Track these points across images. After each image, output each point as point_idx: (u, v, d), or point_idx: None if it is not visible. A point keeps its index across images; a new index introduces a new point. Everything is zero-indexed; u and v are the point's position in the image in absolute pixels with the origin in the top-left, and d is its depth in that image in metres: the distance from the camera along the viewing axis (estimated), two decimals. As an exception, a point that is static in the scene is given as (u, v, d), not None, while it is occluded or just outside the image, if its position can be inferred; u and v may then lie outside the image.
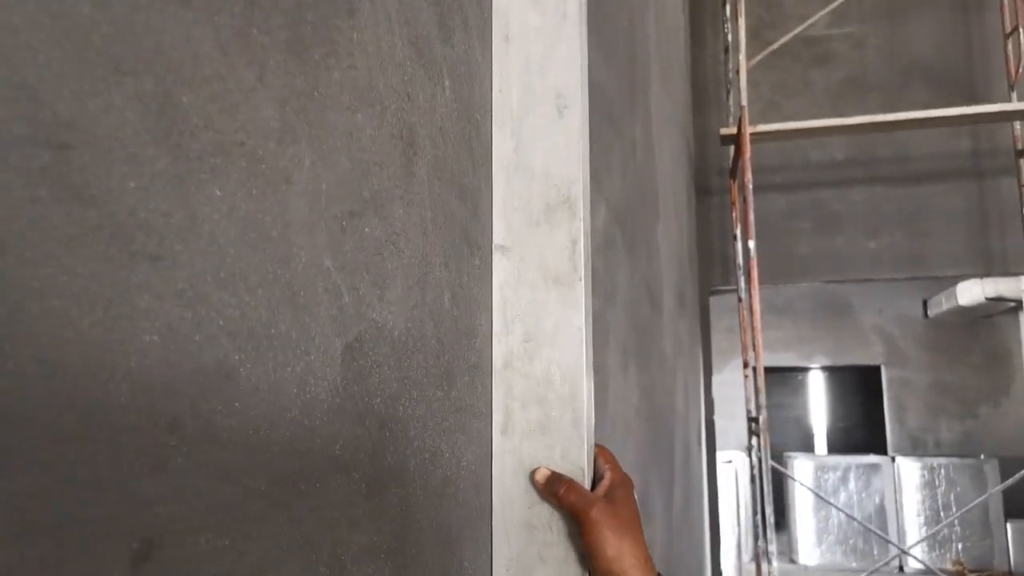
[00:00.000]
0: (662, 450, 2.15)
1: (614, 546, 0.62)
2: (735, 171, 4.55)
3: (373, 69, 0.47)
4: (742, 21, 4.57)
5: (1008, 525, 7.79)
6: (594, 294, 1.19)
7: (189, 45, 0.31)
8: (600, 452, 0.71)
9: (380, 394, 0.47)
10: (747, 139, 4.29)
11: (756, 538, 4.63)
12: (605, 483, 0.67)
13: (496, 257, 0.69)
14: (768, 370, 9.67)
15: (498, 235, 0.69)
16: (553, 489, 0.65)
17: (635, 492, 0.70)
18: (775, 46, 4.78)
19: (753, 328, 4.25)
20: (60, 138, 0.25)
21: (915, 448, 8.51)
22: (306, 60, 0.40)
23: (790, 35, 4.77)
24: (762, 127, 4.43)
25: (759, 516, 4.51)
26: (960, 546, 8.08)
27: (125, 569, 0.27)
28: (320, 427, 0.40)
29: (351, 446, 0.43)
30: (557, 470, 0.65)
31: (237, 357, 0.33)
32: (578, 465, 0.66)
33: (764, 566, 4.35)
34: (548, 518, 0.66)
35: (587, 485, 0.67)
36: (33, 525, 0.23)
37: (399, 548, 0.49)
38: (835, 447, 9.88)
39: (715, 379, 7.66)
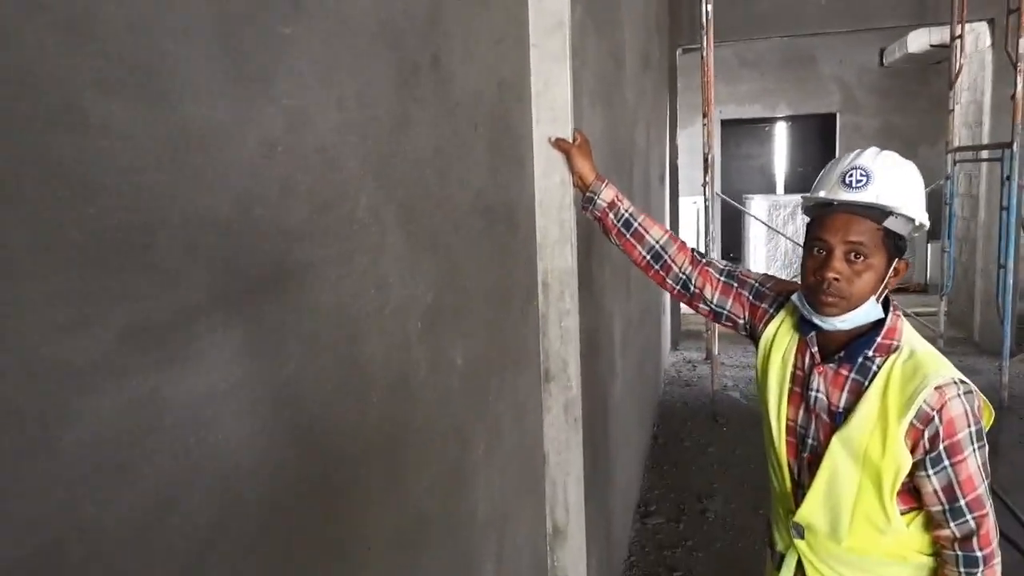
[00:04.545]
0: (621, 166, 3.19)
1: (579, 163, 1.65)
2: (703, -65, 5.07)
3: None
4: None
5: (927, 245, 9.24)
6: (574, 61, 2.12)
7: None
8: (577, 131, 1.72)
9: (504, 139, 1.46)
10: (711, -93, 4.80)
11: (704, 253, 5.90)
12: (578, 140, 1.69)
13: (532, 50, 1.64)
14: (738, 122, 10.57)
15: (531, 38, 1.63)
16: (555, 142, 1.66)
17: (591, 149, 1.72)
18: None
19: (707, 83, 5.11)
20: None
21: (859, 186, 9.68)
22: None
23: None
24: None
25: (707, 236, 5.73)
26: (886, 265, 9.62)
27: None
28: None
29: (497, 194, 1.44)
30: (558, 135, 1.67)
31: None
32: (566, 134, 1.67)
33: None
34: (557, 156, 1.68)
35: (570, 141, 1.68)
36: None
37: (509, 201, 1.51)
38: (792, 189, 11.07)
39: (689, 131, 8.58)
